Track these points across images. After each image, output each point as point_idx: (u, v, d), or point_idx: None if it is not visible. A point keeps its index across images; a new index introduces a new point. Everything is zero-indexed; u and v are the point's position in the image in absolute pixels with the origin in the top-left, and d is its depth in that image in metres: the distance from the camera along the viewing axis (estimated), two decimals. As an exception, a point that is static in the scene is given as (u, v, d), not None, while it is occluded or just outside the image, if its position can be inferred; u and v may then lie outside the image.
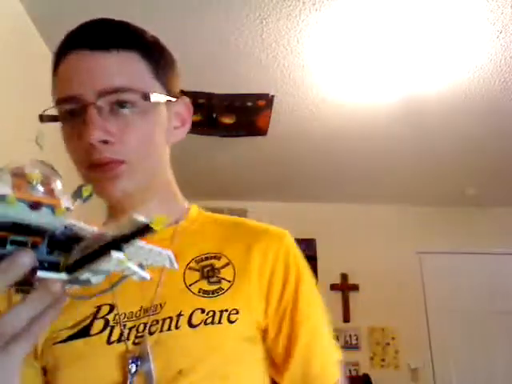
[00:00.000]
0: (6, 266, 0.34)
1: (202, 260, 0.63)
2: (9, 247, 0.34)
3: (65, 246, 0.38)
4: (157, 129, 0.63)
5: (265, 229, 0.69)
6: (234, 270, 0.62)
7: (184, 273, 0.61)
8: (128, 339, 0.57)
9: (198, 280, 0.61)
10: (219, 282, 0.61)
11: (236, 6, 2.02)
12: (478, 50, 2.27)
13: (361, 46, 2.25)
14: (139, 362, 0.55)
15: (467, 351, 3.94)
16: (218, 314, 0.58)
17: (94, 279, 0.39)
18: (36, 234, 0.35)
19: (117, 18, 0.66)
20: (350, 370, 3.87)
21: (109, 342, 0.57)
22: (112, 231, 0.37)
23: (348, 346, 3.95)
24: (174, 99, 0.65)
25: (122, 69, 0.59)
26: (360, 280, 4.13)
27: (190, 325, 0.57)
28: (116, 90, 0.58)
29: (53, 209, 0.35)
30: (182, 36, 2.19)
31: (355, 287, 4.12)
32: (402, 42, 2.22)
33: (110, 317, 0.59)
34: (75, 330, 0.59)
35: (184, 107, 0.69)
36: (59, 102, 0.60)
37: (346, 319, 4.02)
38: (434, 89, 2.58)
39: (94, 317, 0.59)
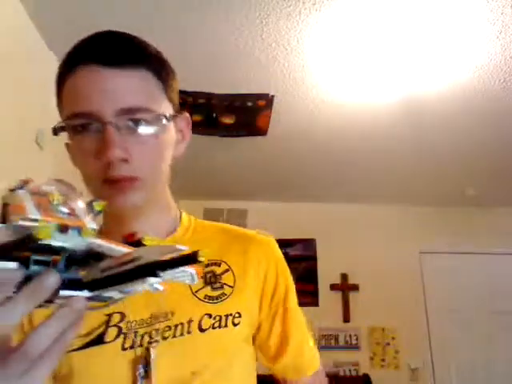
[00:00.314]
0: (34, 288, 0.34)
1: (203, 267, 0.67)
2: (32, 267, 0.34)
3: (82, 261, 0.37)
4: (167, 146, 0.65)
5: (254, 236, 0.76)
6: (234, 275, 0.68)
7: None
8: (141, 345, 0.61)
9: (203, 286, 0.66)
10: (222, 287, 0.67)
11: (236, 5, 2.02)
12: (478, 49, 2.27)
13: (361, 45, 2.25)
14: (148, 367, 0.59)
15: (467, 351, 3.94)
16: (223, 318, 0.64)
17: (118, 296, 0.40)
18: (57, 252, 0.35)
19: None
20: (350, 370, 3.87)
21: (123, 349, 0.61)
22: (143, 254, 0.37)
23: (348, 345, 3.95)
24: (179, 115, 0.69)
25: (137, 88, 0.61)
26: (360, 280, 4.13)
27: (200, 329, 0.62)
28: (133, 110, 0.59)
29: (79, 230, 0.35)
30: (182, 36, 2.19)
31: (355, 287, 4.13)
32: (402, 41, 2.22)
33: (123, 324, 0.62)
34: (90, 337, 0.61)
35: (185, 122, 0.72)
36: (74, 116, 0.60)
37: (346, 319, 4.03)
38: (433, 89, 2.58)
39: (107, 325, 0.62)
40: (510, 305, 4.04)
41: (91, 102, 0.59)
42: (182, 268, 0.38)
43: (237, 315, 0.65)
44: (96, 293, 0.38)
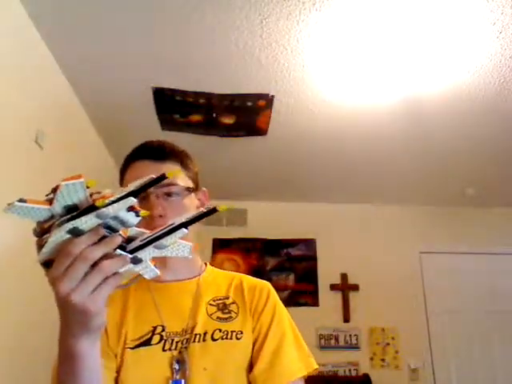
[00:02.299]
0: (110, 239, 0.56)
1: (217, 300, 0.96)
2: (106, 233, 0.57)
3: (130, 240, 0.60)
4: (189, 207, 0.96)
5: (254, 281, 1.03)
6: (238, 306, 0.95)
7: (206, 307, 0.94)
8: (176, 349, 0.88)
9: (216, 312, 0.94)
10: (229, 313, 0.94)
11: (236, 5, 2.02)
12: (478, 50, 2.27)
13: (361, 46, 2.25)
14: (180, 363, 0.85)
15: (467, 351, 3.94)
16: (230, 333, 0.90)
17: (153, 254, 0.60)
18: (115, 231, 0.57)
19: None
20: (350, 370, 3.87)
21: (163, 350, 0.87)
22: (175, 220, 0.59)
23: (348, 346, 3.95)
24: (198, 190, 1.02)
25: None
26: (360, 280, 4.13)
27: (213, 339, 0.89)
28: (168, 185, 0.92)
29: (137, 212, 0.55)
30: (182, 36, 2.19)
31: (355, 287, 4.12)
32: (402, 42, 2.22)
33: (163, 333, 0.90)
34: (140, 341, 0.89)
35: (202, 194, 1.05)
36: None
37: (346, 319, 4.02)
38: (433, 89, 2.58)
39: (153, 333, 0.90)
40: (509, 305, 4.04)
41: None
42: (184, 243, 0.60)
43: (239, 332, 0.90)
44: (134, 254, 0.59)
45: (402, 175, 3.79)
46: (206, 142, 3.16)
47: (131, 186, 0.54)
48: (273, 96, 2.67)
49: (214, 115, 2.86)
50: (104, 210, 0.53)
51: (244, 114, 2.85)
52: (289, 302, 3.88)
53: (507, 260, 4.19)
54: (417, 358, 3.90)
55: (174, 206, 0.93)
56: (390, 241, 4.24)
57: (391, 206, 4.35)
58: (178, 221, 0.58)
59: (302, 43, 2.25)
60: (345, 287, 4.12)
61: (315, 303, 4.08)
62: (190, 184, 0.99)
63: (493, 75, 2.47)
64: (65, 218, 0.53)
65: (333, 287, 4.13)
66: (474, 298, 4.08)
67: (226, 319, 0.92)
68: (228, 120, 2.92)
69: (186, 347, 0.87)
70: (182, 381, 0.84)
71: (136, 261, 0.59)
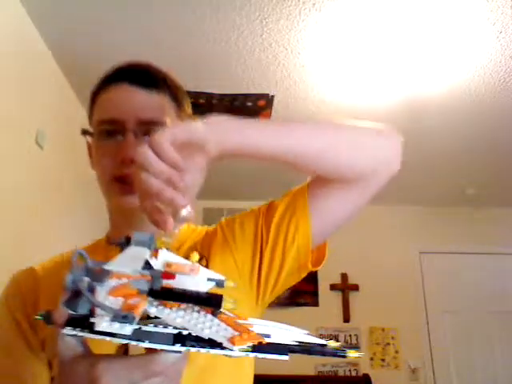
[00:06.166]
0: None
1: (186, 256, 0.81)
2: None
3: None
4: None
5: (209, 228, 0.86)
6: (207, 260, 0.79)
7: None
8: None
9: None
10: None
11: (236, 5, 2.02)
12: (478, 50, 2.27)
13: (361, 46, 2.25)
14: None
15: (467, 351, 3.94)
16: None
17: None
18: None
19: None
20: (350, 370, 3.87)
21: None
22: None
23: (348, 346, 3.94)
24: None
25: (156, 105, 0.74)
26: (360, 280, 4.13)
27: None
28: (151, 122, 0.72)
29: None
30: (182, 36, 2.19)
31: (355, 287, 4.12)
32: (402, 42, 2.22)
33: None
34: None
35: None
36: (102, 122, 0.74)
37: (346, 319, 4.02)
38: (433, 88, 2.58)
39: None
40: (509, 305, 4.04)
41: (118, 111, 0.72)
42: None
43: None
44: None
45: (402, 175, 3.74)
46: (206, 142, 3.16)
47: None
48: (273, 96, 2.67)
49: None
50: None
51: (244, 114, 2.85)
52: (289, 302, 3.89)
53: (507, 260, 4.19)
54: (417, 358, 3.90)
55: None
56: (390, 241, 4.24)
57: (391, 205, 4.34)
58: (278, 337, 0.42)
59: (302, 43, 2.25)
60: (345, 287, 4.12)
61: (315, 303, 4.07)
62: None
63: (493, 75, 2.47)
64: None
65: (333, 287, 4.13)
66: (474, 298, 4.08)
67: None
68: (228, 120, 2.92)
69: None
70: None
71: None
